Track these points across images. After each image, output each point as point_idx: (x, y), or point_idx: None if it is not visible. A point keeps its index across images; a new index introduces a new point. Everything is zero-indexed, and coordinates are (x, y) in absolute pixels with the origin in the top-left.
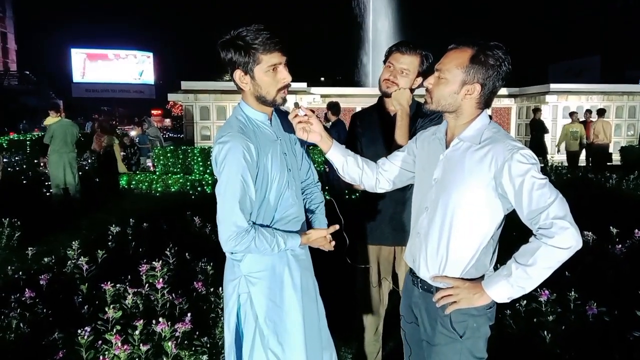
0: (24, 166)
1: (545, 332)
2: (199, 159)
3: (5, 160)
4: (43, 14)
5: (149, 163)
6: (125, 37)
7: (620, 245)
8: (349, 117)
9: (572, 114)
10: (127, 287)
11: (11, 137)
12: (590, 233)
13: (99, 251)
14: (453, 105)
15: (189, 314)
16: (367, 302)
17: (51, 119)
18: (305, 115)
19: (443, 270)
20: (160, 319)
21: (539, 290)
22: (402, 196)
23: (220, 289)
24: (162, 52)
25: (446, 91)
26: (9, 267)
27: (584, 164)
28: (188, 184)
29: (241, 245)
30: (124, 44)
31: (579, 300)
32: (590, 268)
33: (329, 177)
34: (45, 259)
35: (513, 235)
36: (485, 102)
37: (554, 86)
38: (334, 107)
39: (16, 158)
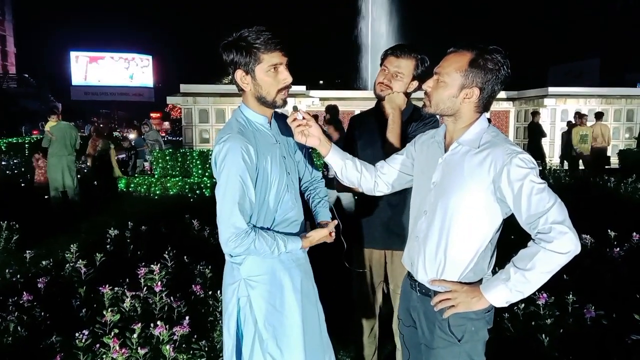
0: (22, 169)
1: (544, 336)
2: (198, 162)
3: (4, 163)
4: (42, 17)
5: (147, 165)
6: (124, 40)
7: (618, 249)
8: (347, 120)
9: (581, 116)
10: (125, 291)
11: (10, 140)
12: (588, 236)
13: (97, 254)
14: (452, 108)
15: (187, 318)
16: (362, 305)
17: (51, 123)
18: (304, 119)
19: (441, 274)
20: (159, 323)
21: (537, 293)
22: (392, 200)
23: (218, 292)
24: (161, 55)
25: (445, 95)
26: (7, 270)
27: (582, 167)
28: (187, 186)
29: (241, 246)
30: (123, 47)
31: (577, 303)
32: (589, 271)
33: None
34: (43, 262)
35: (511, 239)
36: (484, 106)
37: (552, 89)
38: (332, 110)
39: (15, 161)
